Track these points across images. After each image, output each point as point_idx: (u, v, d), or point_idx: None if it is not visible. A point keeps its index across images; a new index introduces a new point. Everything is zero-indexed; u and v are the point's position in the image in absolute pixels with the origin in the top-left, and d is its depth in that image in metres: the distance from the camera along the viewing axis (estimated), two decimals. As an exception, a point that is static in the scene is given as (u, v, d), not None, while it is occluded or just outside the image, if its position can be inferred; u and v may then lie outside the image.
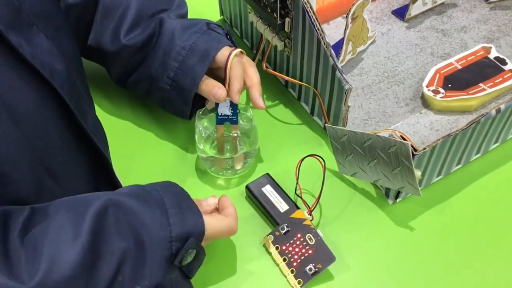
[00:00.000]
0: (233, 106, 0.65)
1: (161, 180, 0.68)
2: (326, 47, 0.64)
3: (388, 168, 0.61)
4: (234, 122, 0.66)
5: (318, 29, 0.64)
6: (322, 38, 0.64)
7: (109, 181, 0.64)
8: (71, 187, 0.57)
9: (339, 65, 0.65)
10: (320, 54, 0.66)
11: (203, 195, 0.67)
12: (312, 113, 0.75)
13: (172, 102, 0.68)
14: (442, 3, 0.88)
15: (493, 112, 0.62)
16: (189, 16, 0.76)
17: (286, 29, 0.69)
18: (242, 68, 0.66)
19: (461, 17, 0.87)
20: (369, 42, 0.82)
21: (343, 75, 0.64)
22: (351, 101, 0.75)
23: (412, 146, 0.59)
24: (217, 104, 0.65)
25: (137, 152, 0.72)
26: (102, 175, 0.63)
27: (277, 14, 0.68)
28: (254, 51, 0.77)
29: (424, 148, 0.59)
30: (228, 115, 0.65)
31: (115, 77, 0.73)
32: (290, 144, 0.72)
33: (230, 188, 0.68)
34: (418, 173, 0.59)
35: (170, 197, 0.54)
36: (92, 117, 0.61)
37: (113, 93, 0.78)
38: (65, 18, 0.62)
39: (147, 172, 0.70)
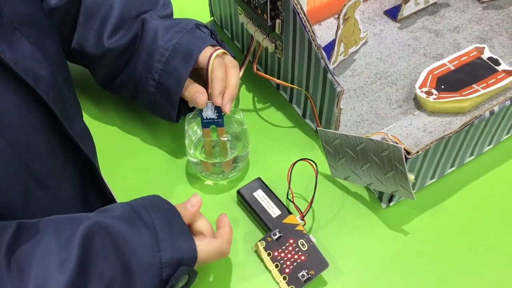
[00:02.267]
0: (218, 108, 0.64)
1: (150, 186, 0.67)
2: (318, 49, 0.63)
3: (381, 171, 0.61)
4: (220, 125, 0.64)
5: (309, 30, 0.63)
6: (313, 40, 0.63)
7: (97, 187, 0.62)
8: (58, 194, 0.56)
9: (331, 67, 0.64)
10: (311, 56, 0.65)
11: (194, 200, 0.66)
12: (304, 115, 0.74)
13: (158, 104, 0.66)
14: (435, 3, 0.88)
15: (487, 114, 0.61)
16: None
17: (276, 30, 0.68)
18: (223, 70, 0.65)
19: (454, 17, 0.86)
20: (361, 43, 0.81)
21: (335, 77, 0.63)
22: (343, 103, 0.74)
23: (405, 149, 0.58)
24: (200, 110, 0.64)
25: (126, 157, 0.71)
26: (90, 181, 0.62)
27: (267, 16, 0.67)
28: (245, 53, 0.76)
29: (417, 152, 0.58)
30: (213, 118, 0.64)
31: (100, 81, 0.72)
32: (282, 147, 0.71)
33: (221, 192, 0.67)
34: (411, 177, 0.58)
35: (161, 219, 0.52)
36: (78, 123, 0.60)
37: (101, 98, 0.77)
38: (49, 22, 0.61)
39: (136, 177, 0.68)
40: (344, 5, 0.71)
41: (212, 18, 0.88)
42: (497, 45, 0.81)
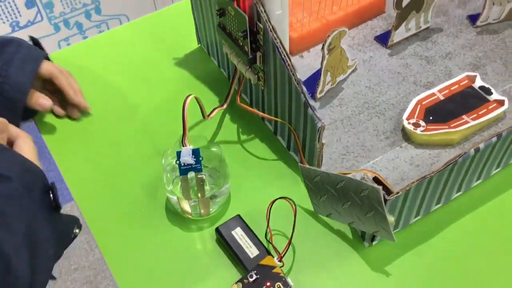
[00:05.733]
0: (195, 153, 0.62)
1: (129, 221, 0.66)
2: (298, 84, 0.62)
3: (361, 211, 0.59)
4: (199, 170, 0.62)
5: (288, 65, 0.61)
6: (293, 74, 0.61)
7: None
8: None
9: (311, 102, 0.62)
10: (292, 90, 0.64)
11: (172, 237, 0.65)
12: (288, 148, 0.72)
13: None
14: (427, 28, 0.86)
15: (472, 151, 0.59)
16: (169, 44, 0.74)
17: (257, 63, 0.67)
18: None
19: (446, 42, 0.84)
20: (349, 70, 0.79)
21: (315, 112, 0.62)
22: (330, 134, 0.72)
23: (386, 188, 0.56)
24: (178, 154, 0.62)
25: (105, 191, 0.69)
26: None
27: (248, 48, 0.66)
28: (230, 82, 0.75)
29: (397, 193, 0.56)
30: (191, 164, 0.62)
31: None
32: (265, 181, 0.69)
33: (201, 229, 0.65)
34: (391, 219, 0.56)
35: None
36: None
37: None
38: None
39: (114, 212, 0.67)
40: (329, 35, 0.69)
41: (199, 44, 0.87)
42: (490, 72, 0.79)
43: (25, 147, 0.56)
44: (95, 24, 1.89)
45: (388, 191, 0.56)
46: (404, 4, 0.78)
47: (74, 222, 0.58)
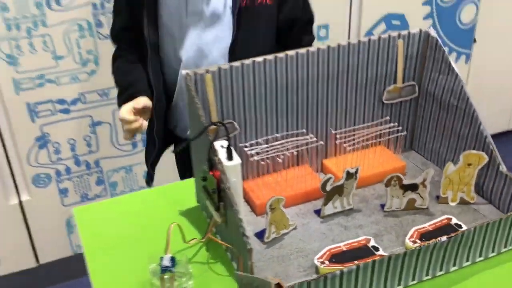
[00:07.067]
0: (172, 259, 1.01)
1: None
2: (239, 221, 1.01)
3: (266, 301, 0.93)
4: (173, 271, 1.01)
5: (236, 210, 1.02)
6: (237, 215, 1.02)
7: None
8: None
9: (247, 232, 1.01)
10: (238, 226, 1.03)
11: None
12: (237, 269, 1.09)
13: None
14: (351, 209, 1.25)
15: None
16: (170, 204, 1.16)
17: (221, 210, 1.08)
18: None
19: (361, 219, 1.23)
20: (291, 227, 1.19)
21: (248, 240, 1.00)
22: (266, 266, 1.09)
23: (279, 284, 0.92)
24: (161, 259, 1.01)
25: (111, 281, 1.07)
26: None
27: (216, 200, 1.08)
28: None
29: (291, 286, 0.91)
30: (168, 266, 1.01)
31: None
32: (221, 285, 1.05)
33: (168, 310, 1.00)
34: (278, 304, 0.90)
35: None
36: None
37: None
38: None
39: (117, 294, 1.03)
40: (269, 199, 1.11)
41: (198, 203, 1.30)
42: (386, 240, 1.16)
43: None
44: (142, 199, 2.39)
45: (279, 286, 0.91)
46: (328, 189, 1.20)
47: None
